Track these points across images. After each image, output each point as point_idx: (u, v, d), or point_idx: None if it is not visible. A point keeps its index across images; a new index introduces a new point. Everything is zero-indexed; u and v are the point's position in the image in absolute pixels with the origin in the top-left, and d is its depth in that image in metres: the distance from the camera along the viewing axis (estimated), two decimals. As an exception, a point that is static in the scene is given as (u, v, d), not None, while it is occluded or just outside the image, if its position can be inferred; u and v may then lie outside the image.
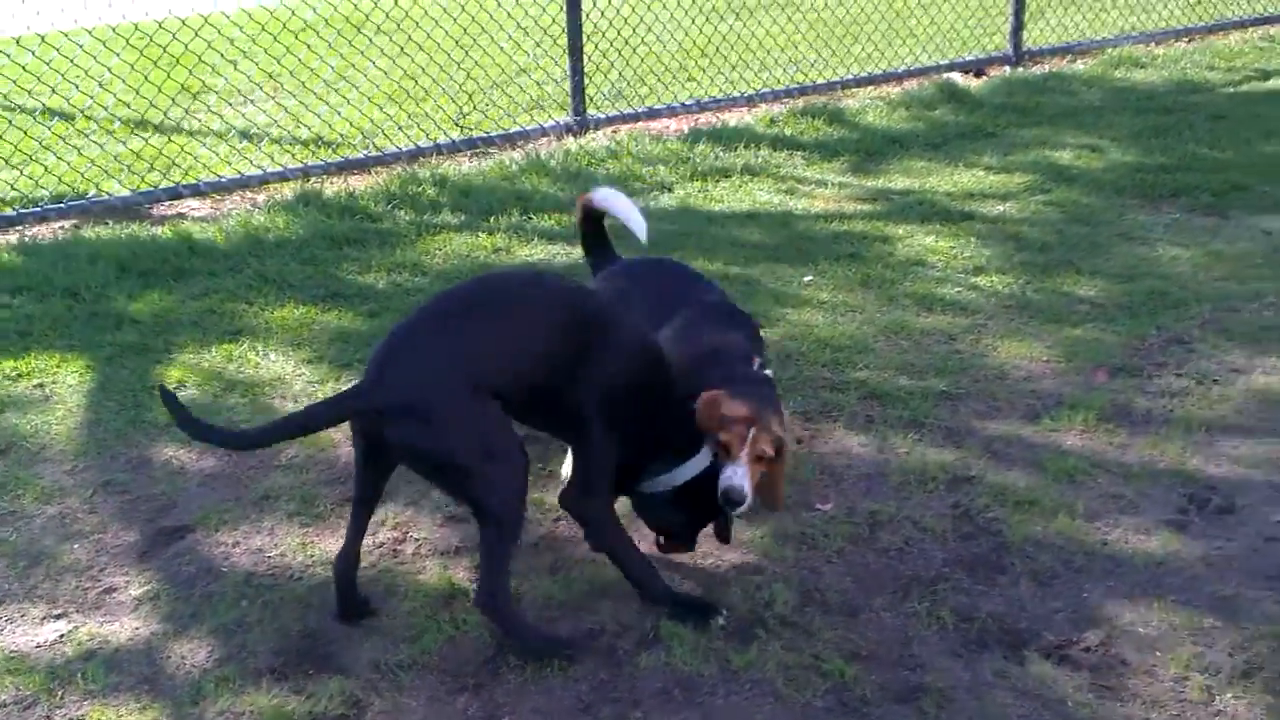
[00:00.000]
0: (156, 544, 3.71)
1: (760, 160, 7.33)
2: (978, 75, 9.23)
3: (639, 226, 4.11)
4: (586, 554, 3.51)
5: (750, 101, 8.64)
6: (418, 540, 3.70)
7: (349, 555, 3.28)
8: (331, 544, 3.60)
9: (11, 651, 3.23)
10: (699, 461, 3.38)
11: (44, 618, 3.38)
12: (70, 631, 3.31)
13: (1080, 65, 9.39)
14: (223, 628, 3.31)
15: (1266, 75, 9.03)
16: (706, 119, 8.39)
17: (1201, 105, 8.17)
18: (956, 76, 9.05)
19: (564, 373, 3.17)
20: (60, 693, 3.08)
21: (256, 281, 5.61)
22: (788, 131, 7.86)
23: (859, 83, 8.99)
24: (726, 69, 9.25)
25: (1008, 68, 9.41)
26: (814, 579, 3.47)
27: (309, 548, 3.66)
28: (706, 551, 3.60)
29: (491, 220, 6.40)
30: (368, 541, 3.51)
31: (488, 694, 3.06)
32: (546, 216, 6.45)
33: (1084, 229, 6.06)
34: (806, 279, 5.55)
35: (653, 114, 8.38)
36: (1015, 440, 4.16)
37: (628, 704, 3.01)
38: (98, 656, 3.20)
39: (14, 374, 4.80)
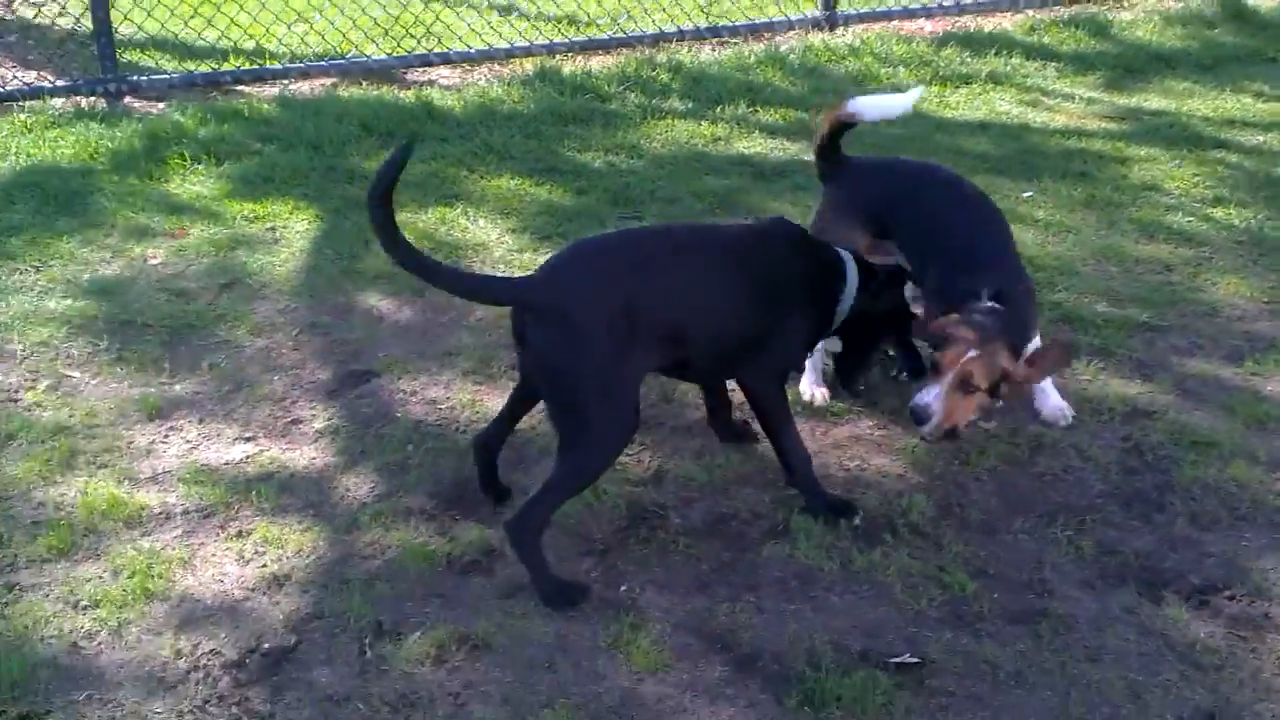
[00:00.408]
0: (344, 384, 3.99)
1: (1008, 69, 7.03)
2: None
3: (907, 101, 4.09)
4: (732, 445, 3.58)
5: (1014, 5, 8.23)
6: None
7: (490, 435, 3.37)
8: (498, 404, 3.79)
9: (202, 465, 3.57)
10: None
11: (236, 439, 3.71)
12: (255, 454, 3.63)
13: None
14: (386, 467, 3.56)
15: None
16: (964, 23, 8.06)
17: None
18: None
19: (752, 324, 3.23)
20: (236, 507, 3.38)
21: (481, 150, 5.83)
22: (1046, 40, 7.48)
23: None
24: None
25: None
26: (958, 494, 3.43)
27: (477, 404, 3.85)
28: (854, 454, 3.60)
29: (717, 110, 6.40)
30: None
31: (612, 561, 3.18)
32: (773, 110, 6.41)
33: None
34: (1025, 194, 5.33)
35: (908, 13, 8.12)
36: (1210, 380, 3.94)
37: (743, 588, 3.08)
38: (275, 479, 3.50)
39: (251, 215, 5.19)
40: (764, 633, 2.93)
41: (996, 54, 7.21)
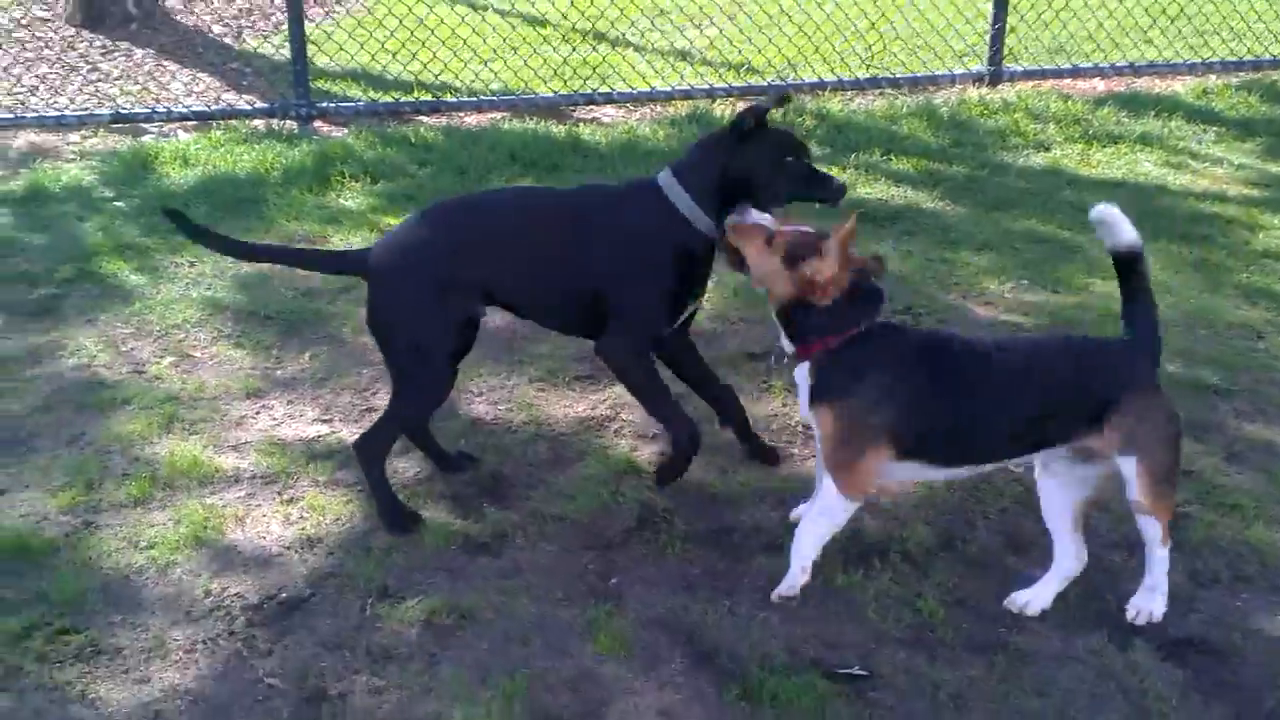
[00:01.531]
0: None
1: (1165, 131, 6.91)
2: None
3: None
4: (751, 463, 3.77)
5: (1193, 69, 8.06)
6: (624, 421, 4.08)
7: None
8: (555, 410, 4.09)
9: (278, 439, 3.98)
10: None
11: (315, 420, 4.12)
12: (327, 434, 4.02)
13: None
14: (436, 455, 3.89)
15: None
16: (1141, 83, 7.91)
17: None
18: None
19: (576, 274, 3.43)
20: (296, 477, 3.77)
21: (608, 181, 6.15)
22: (1214, 105, 7.32)
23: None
24: (1186, 31, 8.61)
25: None
26: (963, 529, 3.51)
27: (534, 408, 4.15)
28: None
29: (851, 156, 6.54)
30: (582, 408, 4.00)
31: (611, 557, 3.41)
32: (907, 159, 6.51)
33: None
34: (1136, 253, 5.28)
35: (1077, 72, 8.05)
36: (1261, 445, 3.87)
37: (724, 592, 3.25)
38: (336, 457, 3.88)
39: (386, 228, 5.62)
40: (728, 634, 3.10)
41: (1157, 116, 7.10)
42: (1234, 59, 8.16)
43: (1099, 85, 7.99)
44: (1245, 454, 3.83)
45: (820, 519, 3.11)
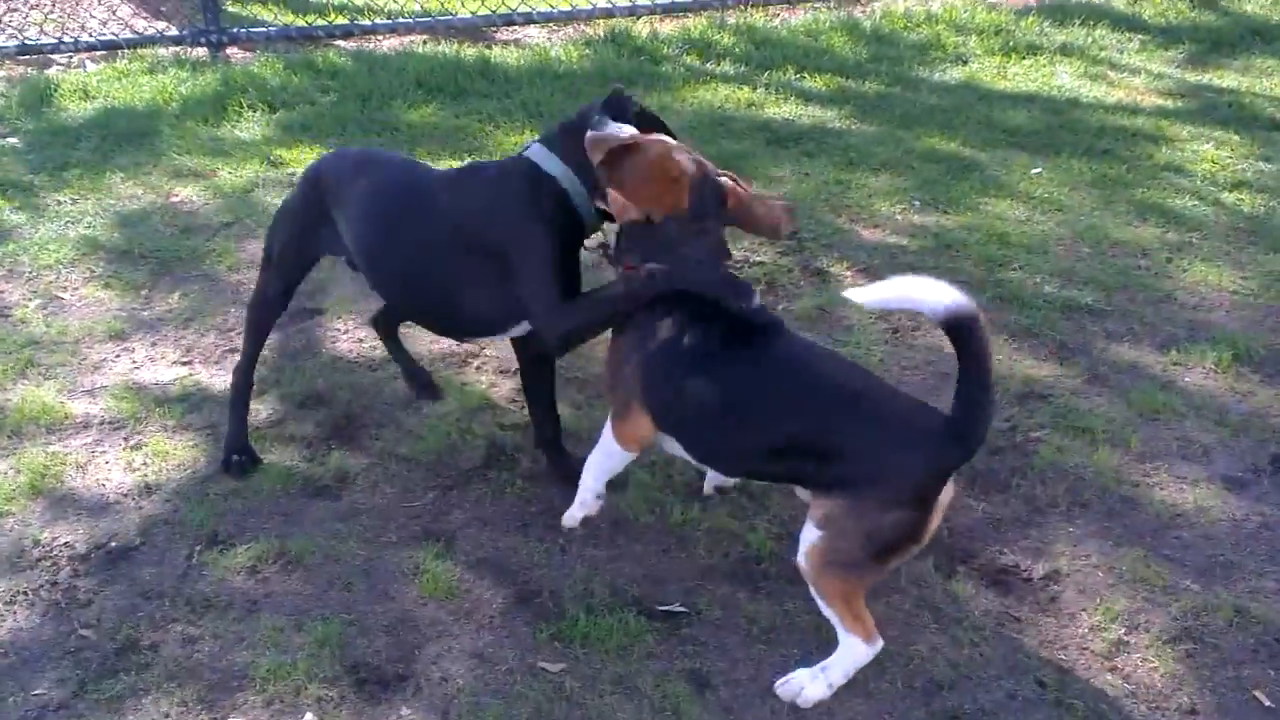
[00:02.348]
0: (291, 319, 4.27)
1: (1087, 41, 6.77)
2: None
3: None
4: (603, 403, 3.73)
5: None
6: (486, 357, 4.03)
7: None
8: (418, 345, 4.03)
9: (134, 383, 3.93)
10: None
11: (175, 362, 4.06)
12: (185, 377, 3.96)
13: None
14: (291, 396, 3.84)
15: None
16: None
17: None
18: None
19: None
20: (145, 422, 3.72)
21: (514, 107, 6.04)
22: (1146, 14, 7.15)
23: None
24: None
25: None
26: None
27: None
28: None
29: (764, 75, 6.41)
30: (446, 344, 3.95)
31: (451, 497, 3.38)
32: (818, 76, 6.38)
33: (1404, 155, 5.20)
34: (1035, 170, 5.20)
35: (1010, -20, 7.86)
36: (1126, 367, 3.82)
37: (558, 531, 3.21)
38: (189, 400, 3.83)
39: (278, 160, 5.56)
40: (554, 573, 3.08)
41: (1083, 24, 6.95)
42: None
43: (1036, -7, 7.82)
44: (1108, 375, 3.78)
45: (599, 455, 3.00)
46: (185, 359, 4.08)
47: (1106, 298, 4.19)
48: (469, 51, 6.84)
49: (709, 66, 6.59)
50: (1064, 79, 6.29)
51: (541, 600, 3.00)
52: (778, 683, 2.71)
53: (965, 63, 6.58)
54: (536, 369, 3.42)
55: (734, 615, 2.92)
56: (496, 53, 6.85)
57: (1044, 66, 6.48)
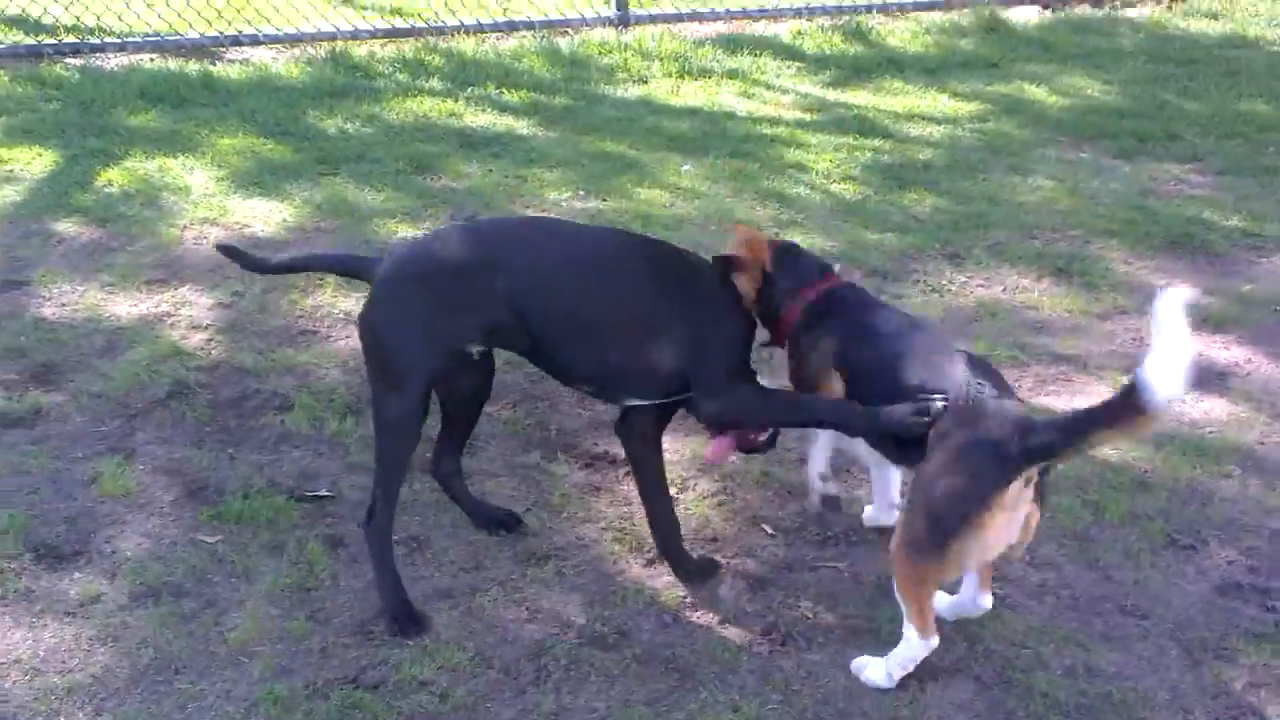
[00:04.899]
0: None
1: (752, 67, 7.74)
2: (1045, 8, 9.20)
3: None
4: (285, 344, 4.33)
5: (799, 14, 8.93)
6: (180, 316, 4.57)
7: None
8: (121, 310, 4.53)
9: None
10: None
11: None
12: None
13: (1140, 12, 9.21)
14: (-4, 350, 4.30)
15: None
16: (758, 27, 8.70)
17: (1231, 60, 7.99)
18: (1023, 10, 9.08)
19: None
20: None
21: (231, 115, 6.58)
22: (806, 46, 8.18)
23: (903, 7, 9.04)
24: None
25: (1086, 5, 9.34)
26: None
27: (99, 308, 4.60)
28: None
29: (468, 90, 7.13)
30: (146, 307, 4.44)
31: (135, 422, 3.93)
32: (515, 91, 7.14)
33: (981, 156, 6.29)
34: (685, 167, 6.07)
35: (696, 16, 8.84)
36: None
37: (230, 444, 3.80)
38: None
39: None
40: (222, 474, 3.67)
41: (749, 53, 7.93)
42: (834, 4, 9.05)
43: (721, 28, 8.80)
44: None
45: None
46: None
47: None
48: (193, 67, 7.33)
49: (419, 83, 7.28)
50: (726, 97, 7.23)
51: (207, 493, 3.58)
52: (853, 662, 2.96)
53: (645, 82, 7.47)
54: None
55: (365, 494, 3.55)
56: (220, 69, 7.37)
57: (712, 87, 7.41)
